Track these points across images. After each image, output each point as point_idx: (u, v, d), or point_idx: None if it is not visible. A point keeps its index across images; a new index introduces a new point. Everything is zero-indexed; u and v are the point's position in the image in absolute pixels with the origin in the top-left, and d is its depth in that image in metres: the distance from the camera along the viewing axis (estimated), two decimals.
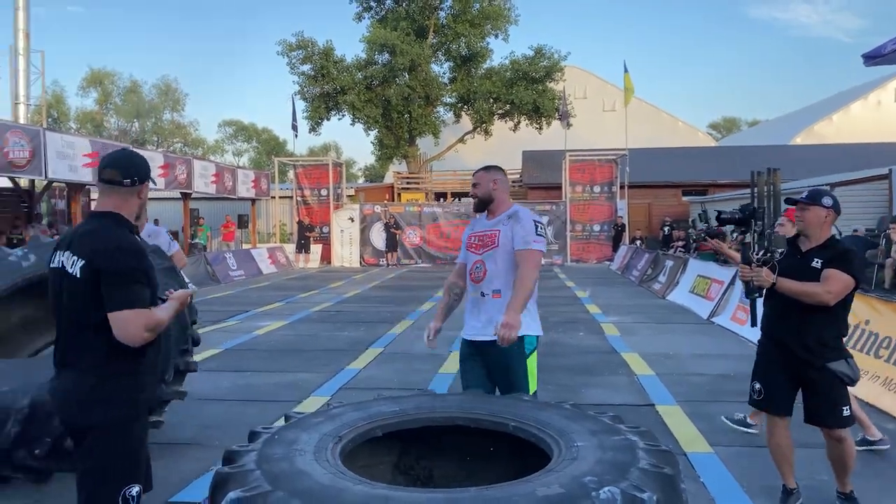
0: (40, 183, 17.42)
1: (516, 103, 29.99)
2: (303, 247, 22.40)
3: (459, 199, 31.57)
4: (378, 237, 22.78)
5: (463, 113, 32.60)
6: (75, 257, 2.28)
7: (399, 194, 31.64)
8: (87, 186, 15.22)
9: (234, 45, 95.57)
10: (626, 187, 22.74)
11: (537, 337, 3.51)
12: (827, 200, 3.47)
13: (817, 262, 3.39)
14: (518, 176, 32.03)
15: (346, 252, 22.87)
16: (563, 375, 6.60)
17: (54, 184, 17.40)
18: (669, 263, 13.58)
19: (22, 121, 25.11)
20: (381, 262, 22.53)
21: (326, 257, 22.97)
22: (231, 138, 63.04)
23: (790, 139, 37.46)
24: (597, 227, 22.75)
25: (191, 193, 18.45)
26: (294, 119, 26.46)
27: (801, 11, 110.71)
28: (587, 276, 17.50)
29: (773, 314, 3.54)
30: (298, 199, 24.09)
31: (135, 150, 2.87)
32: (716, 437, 4.63)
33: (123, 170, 2.40)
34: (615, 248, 21.63)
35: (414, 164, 33.51)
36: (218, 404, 5.44)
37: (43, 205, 19.36)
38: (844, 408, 3.42)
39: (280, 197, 25.14)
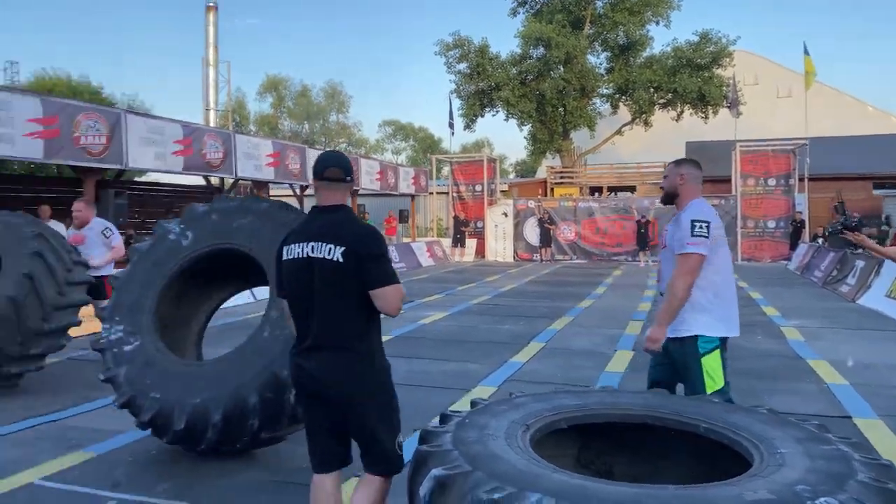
0: (227, 181, 19.35)
1: (679, 92, 28.54)
2: (458, 241, 22.94)
3: (615, 194, 30.68)
4: (531, 232, 22.76)
5: (620, 104, 31.59)
6: (331, 245, 2.53)
7: (552, 189, 31.36)
8: (268, 184, 16.62)
9: (394, 47, 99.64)
10: (805, 180, 20.83)
11: (720, 338, 3.41)
12: None
13: None
14: None
15: (499, 247, 23.11)
16: (742, 380, 6.20)
17: (239, 181, 19.23)
18: (860, 264, 12.24)
19: (212, 125, 28.07)
20: (534, 258, 22.50)
21: (480, 251, 23.36)
22: (390, 137, 65.94)
23: None
24: (771, 224, 21.04)
25: (357, 190, 19.57)
26: (451, 117, 27.15)
27: None
28: (760, 276, 16.28)
29: None
30: (454, 194, 24.70)
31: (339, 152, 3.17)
32: None
33: (344, 169, 2.69)
34: (793, 246, 19.88)
35: (568, 159, 33.04)
36: (398, 389, 5.73)
37: None
38: None
39: (436, 193, 25.91)
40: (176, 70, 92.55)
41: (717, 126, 28.86)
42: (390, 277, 2.56)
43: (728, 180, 22.28)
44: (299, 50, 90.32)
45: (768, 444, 2.42)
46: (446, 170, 25.88)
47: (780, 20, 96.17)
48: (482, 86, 30.63)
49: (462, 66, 30.93)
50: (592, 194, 29.59)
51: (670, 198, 3.55)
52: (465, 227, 23.33)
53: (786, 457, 2.28)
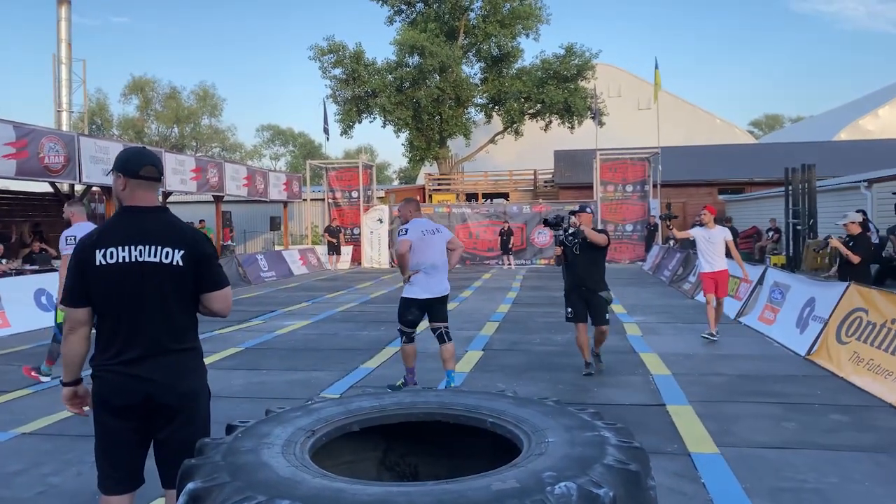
0: (81, 187, 17.94)
1: (547, 103, 29.79)
2: (334, 249, 22.52)
3: (490, 200, 31.49)
4: None
5: (494, 113, 32.51)
6: (169, 249, 2.42)
7: (430, 196, 31.70)
8: None
9: (271, 51, 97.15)
10: (658, 186, 22.37)
11: None
12: (589, 209, 6.62)
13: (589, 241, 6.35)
14: (550, 176, 31.82)
15: (375, 253, 23.00)
16: (578, 375, 6.51)
17: (93, 188, 17.90)
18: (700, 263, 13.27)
19: (65, 128, 25.96)
20: None
21: (357, 258, 23.13)
22: (268, 143, 64.11)
23: (834, 135, 36.33)
24: (629, 227, 22.40)
25: (223, 196, 18.79)
26: (325, 122, 26.81)
27: (847, 3, 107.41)
28: (618, 277, 17.23)
29: (579, 271, 6.42)
30: (330, 201, 24.35)
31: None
32: (724, 439, 4.49)
33: (159, 167, 2.58)
34: (648, 248, 21.28)
35: (445, 166, 33.55)
36: (225, 402, 5.48)
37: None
38: (607, 314, 6.52)
39: (313, 199, 25.42)
40: (28, 70, 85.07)
41: (583, 136, 30.41)
42: (226, 279, 2.63)
43: (591, 187, 23.50)
44: (168, 51, 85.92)
45: (540, 435, 2.50)
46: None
47: (645, 36, 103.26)
48: (358, 92, 30.48)
49: (337, 72, 30.65)
50: (469, 201, 30.20)
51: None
52: (330, 235, 22.43)
53: (550, 446, 2.36)
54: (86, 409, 2.60)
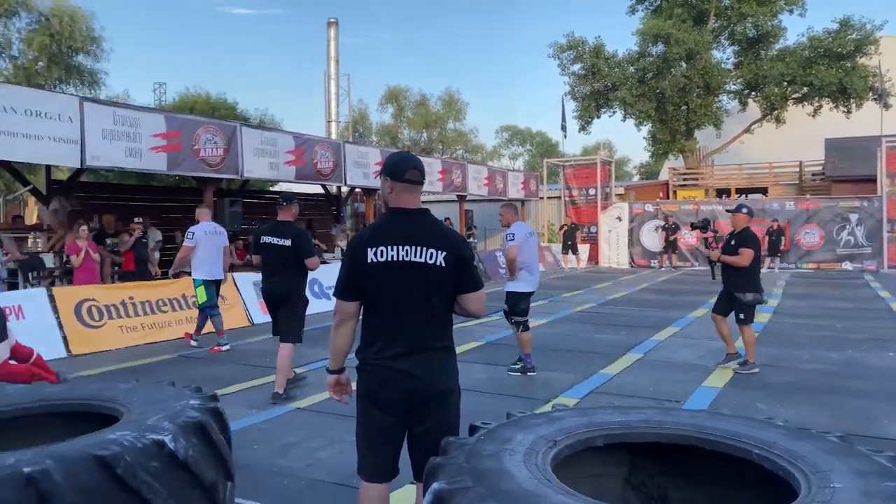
0: (347, 189, 20.13)
1: (816, 85, 26.22)
2: (569, 247, 22.33)
3: (745, 196, 28.69)
4: (648, 237, 21.79)
5: (749, 100, 29.54)
6: (433, 250, 2.57)
7: (675, 192, 29.88)
8: (378, 191, 17.12)
9: (512, 53, 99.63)
10: None
11: None
12: (745, 209, 6.74)
13: (734, 242, 6.67)
14: (820, 168, 28.02)
15: (613, 252, 22.34)
16: (859, 401, 5.56)
17: (356, 189, 19.96)
18: None
19: (334, 137, 29.36)
20: (652, 264, 21.52)
21: (594, 257, 22.67)
22: (507, 143, 65.92)
23: None
24: None
25: (465, 196, 19.70)
26: (563, 120, 26.67)
27: None
28: None
29: (722, 273, 6.77)
30: (566, 199, 24.20)
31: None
32: None
33: (422, 171, 2.71)
34: None
35: (692, 159, 31.35)
36: (467, 395, 5.62)
37: (347, 208, 22.35)
38: (742, 315, 6.63)
39: (550, 197, 25.53)
40: (304, 85, 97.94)
41: (860, 121, 26.22)
42: (481, 281, 2.72)
43: (873, 180, 20.19)
44: (419, 60, 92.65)
45: (822, 477, 2.11)
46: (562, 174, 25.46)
47: None
48: (598, 86, 29.85)
49: (576, 68, 30.29)
50: (720, 197, 27.85)
51: None
52: (563, 228, 22.36)
53: (837, 493, 1.98)
54: (345, 396, 2.81)
